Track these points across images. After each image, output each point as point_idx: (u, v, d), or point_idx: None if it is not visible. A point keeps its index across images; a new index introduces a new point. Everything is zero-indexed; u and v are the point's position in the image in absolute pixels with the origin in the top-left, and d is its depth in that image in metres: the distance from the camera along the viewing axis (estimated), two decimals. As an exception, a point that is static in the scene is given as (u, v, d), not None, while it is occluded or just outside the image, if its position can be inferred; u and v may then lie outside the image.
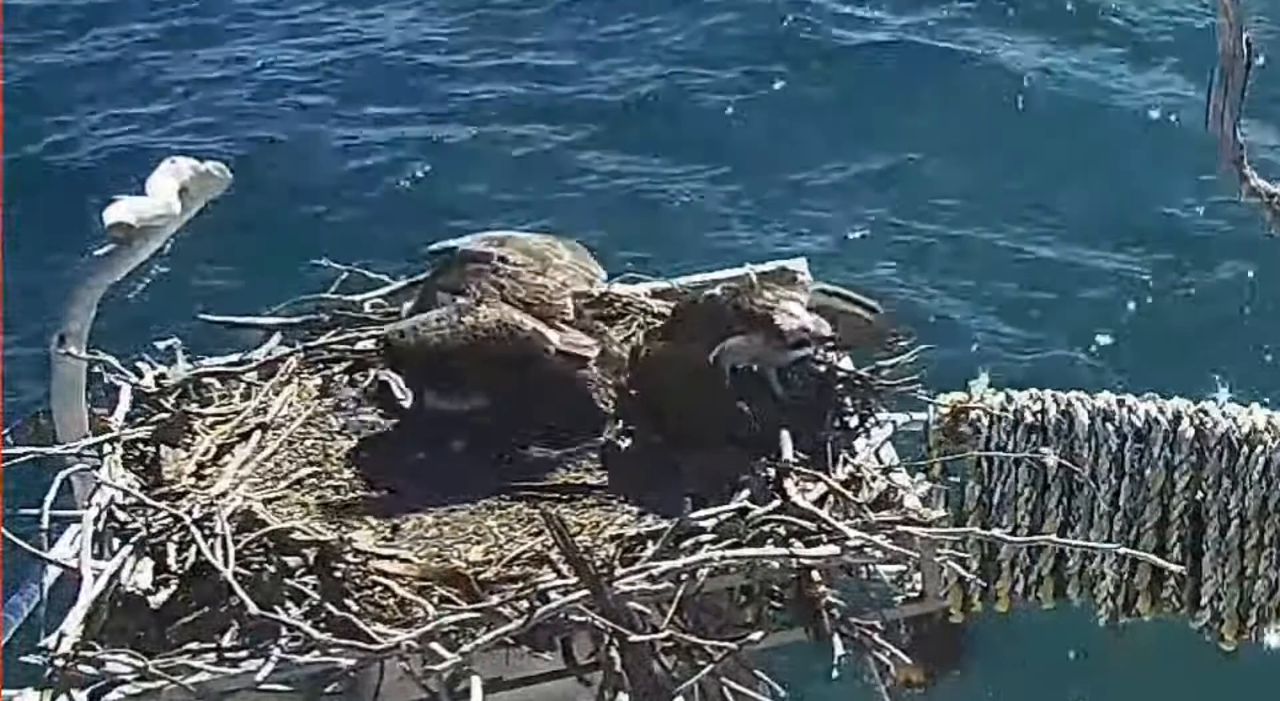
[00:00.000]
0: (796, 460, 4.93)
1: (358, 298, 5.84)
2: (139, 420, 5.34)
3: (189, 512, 4.76)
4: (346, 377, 5.61)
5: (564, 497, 4.96)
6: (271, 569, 4.61)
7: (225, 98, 17.26)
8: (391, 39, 18.48)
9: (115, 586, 4.58)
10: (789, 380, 5.25)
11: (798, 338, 5.14)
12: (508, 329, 5.16)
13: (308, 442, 5.31)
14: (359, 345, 5.71)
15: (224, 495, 4.91)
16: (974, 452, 6.16)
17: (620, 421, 5.22)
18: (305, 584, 4.58)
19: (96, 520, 4.82)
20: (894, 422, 5.46)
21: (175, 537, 4.71)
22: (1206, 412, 6.17)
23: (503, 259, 5.41)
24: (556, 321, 5.27)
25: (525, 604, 4.46)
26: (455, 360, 5.14)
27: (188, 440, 5.29)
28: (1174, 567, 5.96)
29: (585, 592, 4.44)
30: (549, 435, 5.12)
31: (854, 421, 5.28)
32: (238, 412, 5.40)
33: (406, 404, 5.12)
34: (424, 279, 5.61)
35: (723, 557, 4.59)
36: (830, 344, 5.26)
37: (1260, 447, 6.09)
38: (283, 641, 4.39)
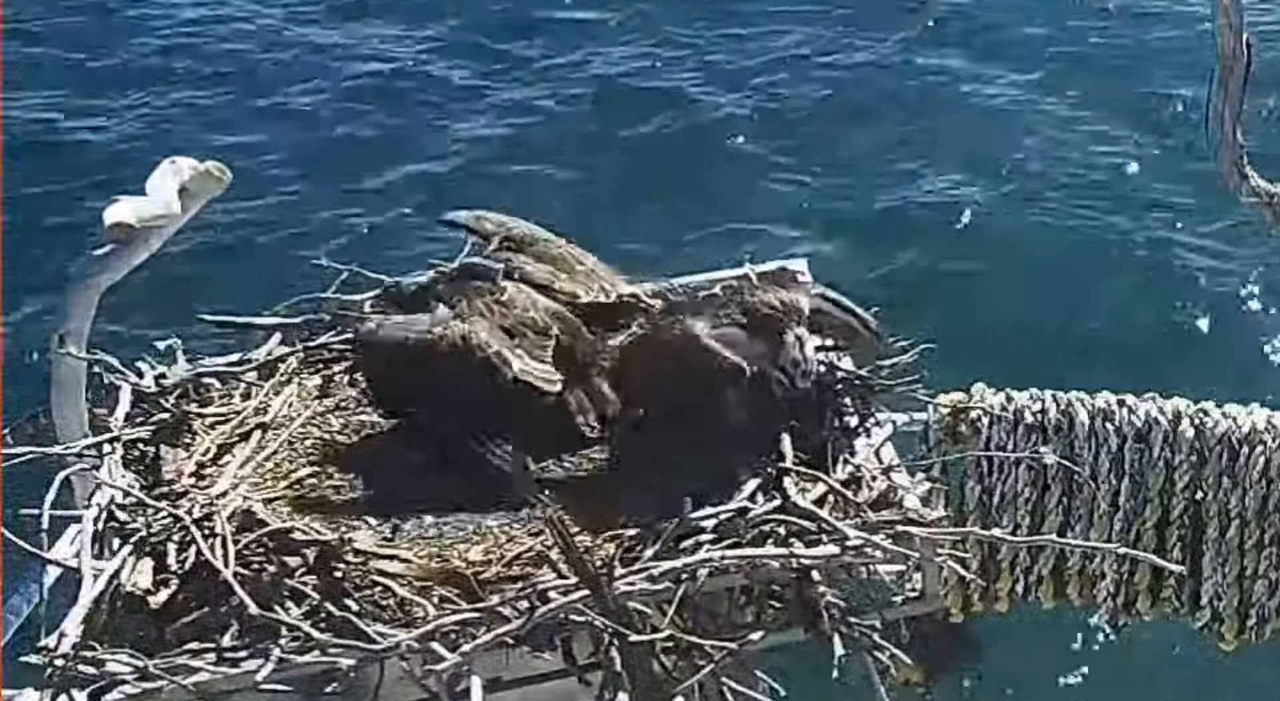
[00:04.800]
0: (796, 460, 4.93)
1: (358, 297, 5.84)
2: (139, 420, 5.33)
3: (189, 512, 4.75)
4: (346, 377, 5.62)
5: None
6: (271, 569, 4.60)
7: (225, 98, 17.27)
8: (390, 41, 18.48)
9: (115, 586, 4.57)
10: (789, 380, 5.24)
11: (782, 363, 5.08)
12: (470, 346, 5.14)
13: (308, 442, 5.31)
14: (359, 345, 5.71)
15: (224, 495, 4.91)
16: (974, 452, 6.17)
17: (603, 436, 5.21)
18: (305, 584, 4.57)
19: (96, 520, 4.81)
20: (894, 422, 5.46)
21: (175, 537, 4.70)
22: (1206, 413, 6.17)
23: (509, 275, 5.39)
24: (534, 351, 5.24)
25: (525, 604, 4.45)
26: (416, 366, 5.12)
27: (188, 440, 5.29)
28: (1174, 567, 5.97)
29: (585, 592, 4.44)
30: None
31: (854, 421, 5.28)
32: (238, 412, 5.40)
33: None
34: (424, 285, 5.60)
35: (723, 557, 4.59)
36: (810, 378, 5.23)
37: (1260, 447, 6.09)
38: (283, 641, 4.38)
